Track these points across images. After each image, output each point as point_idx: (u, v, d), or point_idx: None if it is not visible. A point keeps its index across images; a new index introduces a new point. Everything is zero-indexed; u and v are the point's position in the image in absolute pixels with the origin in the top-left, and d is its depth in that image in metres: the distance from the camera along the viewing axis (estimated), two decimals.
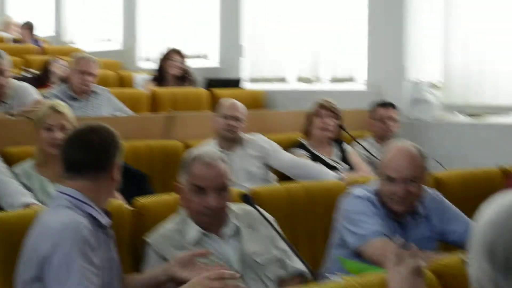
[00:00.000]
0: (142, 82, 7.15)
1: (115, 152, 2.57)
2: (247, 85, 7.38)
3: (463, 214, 3.20)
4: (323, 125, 4.92)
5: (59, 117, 3.67)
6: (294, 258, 2.85)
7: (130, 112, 5.65)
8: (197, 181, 2.77)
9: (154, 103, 6.34)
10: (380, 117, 5.33)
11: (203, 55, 8.20)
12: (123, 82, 7.44)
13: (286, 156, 4.71)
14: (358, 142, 5.16)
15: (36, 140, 3.67)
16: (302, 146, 4.97)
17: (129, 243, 2.94)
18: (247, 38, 7.52)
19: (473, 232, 1.38)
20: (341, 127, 5.03)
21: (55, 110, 3.70)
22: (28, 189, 3.56)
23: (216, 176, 2.77)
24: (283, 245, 2.88)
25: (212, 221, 2.79)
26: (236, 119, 4.66)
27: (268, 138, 4.99)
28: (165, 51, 6.95)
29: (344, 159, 4.98)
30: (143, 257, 2.79)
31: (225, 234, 2.81)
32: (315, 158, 4.87)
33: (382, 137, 5.33)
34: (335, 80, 6.74)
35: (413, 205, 3.06)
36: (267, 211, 3.11)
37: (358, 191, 3.09)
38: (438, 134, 5.57)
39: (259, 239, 2.85)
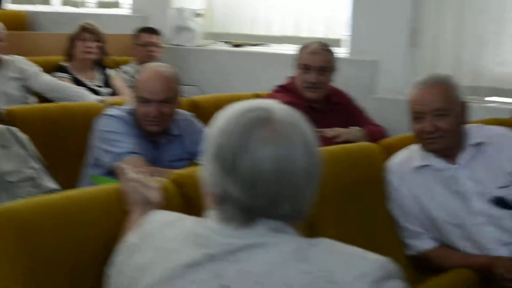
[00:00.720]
0: None
1: None
2: (9, 6, 7.06)
3: None
4: (85, 48, 4.89)
5: None
6: (47, 177, 2.86)
7: None
8: None
9: None
10: (143, 43, 5.39)
11: None
12: None
13: (46, 78, 4.63)
14: (118, 67, 5.18)
15: None
16: (64, 69, 4.91)
17: None
18: None
19: (206, 137, 1.44)
20: (103, 51, 5.03)
21: None
22: None
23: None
24: (36, 164, 2.88)
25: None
26: None
27: (30, 60, 4.87)
28: None
29: (107, 83, 5.00)
30: None
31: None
32: (77, 82, 4.84)
33: (145, 62, 5.37)
34: (101, 5, 6.67)
35: (167, 126, 3.17)
36: (22, 131, 3.08)
37: (113, 111, 3.14)
38: (200, 61, 5.73)
39: (12, 158, 2.82)
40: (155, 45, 5.40)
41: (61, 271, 1.71)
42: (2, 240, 1.63)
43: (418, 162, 2.81)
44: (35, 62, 4.78)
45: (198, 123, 3.40)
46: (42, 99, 4.61)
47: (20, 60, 4.66)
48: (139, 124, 3.12)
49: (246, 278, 1.32)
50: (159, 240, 1.48)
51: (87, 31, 4.91)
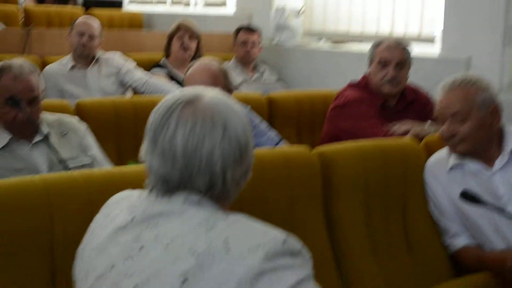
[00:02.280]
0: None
1: None
2: (129, 7, 7.41)
3: (271, 131, 3.40)
4: (181, 45, 5.05)
5: None
6: (105, 163, 3.01)
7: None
8: (6, 94, 2.81)
9: (28, 20, 6.33)
10: (242, 41, 5.48)
11: None
12: None
13: (139, 74, 4.83)
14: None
15: None
16: (162, 65, 5.11)
17: None
18: None
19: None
20: (199, 48, 5.17)
21: None
22: None
23: (25, 89, 2.83)
24: (94, 152, 3.03)
25: (24, 129, 2.87)
26: (90, 36, 4.73)
27: (132, 57, 5.11)
28: None
29: None
30: None
31: (34, 140, 2.88)
32: (173, 78, 5.01)
33: (244, 60, 5.51)
34: (208, 4, 6.85)
35: None
36: (92, 123, 3.27)
37: None
38: (299, 60, 5.75)
39: (70, 146, 2.98)
40: (253, 43, 5.48)
41: (37, 250, 1.79)
42: None
43: (453, 162, 2.72)
44: (138, 59, 5.03)
45: (252, 115, 3.42)
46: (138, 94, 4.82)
47: (116, 57, 4.88)
48: None
49: (159, 242, 1.43)
50: (111, 212, 1.60)
51: (183, 29, 5.07)
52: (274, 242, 1.39)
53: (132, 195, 1.61)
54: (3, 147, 2.86)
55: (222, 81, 3.15)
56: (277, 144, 3.31)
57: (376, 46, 3.80)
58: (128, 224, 1.50)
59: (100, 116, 3.56)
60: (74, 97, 4.41)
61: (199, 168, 1.46)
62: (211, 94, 1.54)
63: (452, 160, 2.73)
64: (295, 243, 1.42)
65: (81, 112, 3.51)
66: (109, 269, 1.46)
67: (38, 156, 2.88)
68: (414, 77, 3.89)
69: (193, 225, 1.43)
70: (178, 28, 5.11)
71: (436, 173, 2.76)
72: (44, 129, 2.93)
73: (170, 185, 1.48)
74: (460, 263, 2.73)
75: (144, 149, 1.54)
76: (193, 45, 5.08)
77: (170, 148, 1.47)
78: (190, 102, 1.50)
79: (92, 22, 4.80)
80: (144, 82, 4.75)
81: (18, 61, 2.89)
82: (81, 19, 4.83)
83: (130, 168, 2.05)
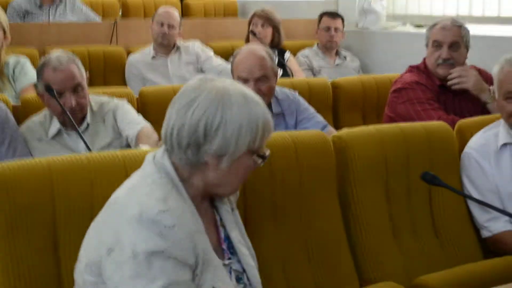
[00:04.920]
0: None
1: None
2: None
3: (317, 115, 3.46)
4: (257, 33, 5.16)
5: None
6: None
7: (96, 19, 6.01)
8: (49, 86, 3.02)
9: (125, 11, 6.66)
10: (325, 27, 5.53)
11: None
12: None
13: (216, 62, 5.01)
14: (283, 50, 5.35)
15: None
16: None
17: None
18: None
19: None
20: (277, 34, 5.25)
21: None
22: None
23: (66, 79, 3.04)
24: (128, 130, 3.17)
25: (72, 119, 3.05)
26: (170, 26, 4.95)
27: (215, 45, 5.30)
28: None
29: (283, 66, 5.24)
30: None
31: (80, 130, 3.08)
32: None
33: (326, 46, 5.56)
34: None
35: (267, 103, 3.31)
36: (149, 111, 3.48)
37: None
38: (383, 43, 5.73)
39: (109, 130, 3.18)
40: (336, 29, 5.52)
41: (39, 223, 1.99)
42: None
43: (504, 141, 2.72)
44: (218, 46, 5.23)
45: (301, 101, 3.49)
46: None
47: (196, 45, 5.08)
48: None
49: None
50: None
51: (258, 17, 5.19)
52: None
53: None
54: (54, 136, 3.11)
55: (269, 64, 3.25)
56: (322, 129, 3.37)
57: (431, 28, 3.78)
58: None
59: (161, 102, 3.73)
60: (156, 85, 4.65)
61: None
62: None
63: (504, 138, 2.72)
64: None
65: (143, 99, 3.71)
66: None
67: (83, 147, 3.08)
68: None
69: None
70: (252, 16, 5.24)
71: (482, 153, 2.77)
72: (89, 118, 3.15)
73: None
74: (499, 247, 2.71)
75: None
76: (266, 32, 5.16)
77: None
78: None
79: (172, 11, 5.01)
80: (221, 69, 4.92)
81: (56, 53, 3.11)
82: (161, 9, 5.06)
83: (131, 152, 2.20)
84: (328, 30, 5.52)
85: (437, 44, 3.71)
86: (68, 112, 3.01)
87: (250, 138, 1.78)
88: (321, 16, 5.60)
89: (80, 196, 2.03)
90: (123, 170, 2.09)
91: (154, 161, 1.82)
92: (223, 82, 1.83)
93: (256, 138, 1.79)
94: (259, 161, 1.85)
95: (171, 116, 1.80)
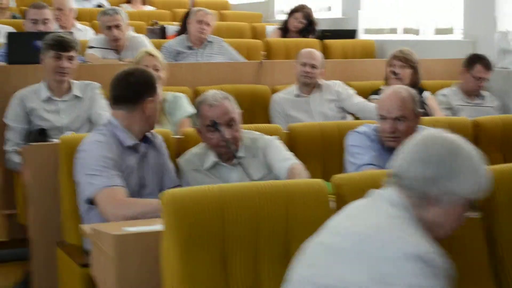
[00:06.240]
0: (270, 33, 7.84)
1: (146, 90, 3.26)
2: (362, 37, 7.80)
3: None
4: (392, 72, 5.28)
5: (152, 59, 4.45)
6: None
7: (241, 59, 6.36)
8: (206, 121, 3.35)
9: (269, 52, 6.98)
10: (477, 75, 5.54)
11: (327, 7, 8.69)
12: (256, 33, 8.15)
13: (357, 100, 5.21)
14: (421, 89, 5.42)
15: None
16: (380, 93, 5.42)
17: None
18: None
19: None
20: (416, 75, 5.36)
21: (149, 54, 4.49)
22: None
23: (221, 113, 3.35)
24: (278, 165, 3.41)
25: (227, 151, 3.36)
26: (312, 66, 5.21)
27: (355, 85, 5.51)
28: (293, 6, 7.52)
29: (422, 105, 5.36)
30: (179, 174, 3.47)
31: (233, 163, 3.39)
32: None
33: (470, 91, 5.60)
34: (438, 31, 7.03)
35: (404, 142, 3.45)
36: (301, 146, 3.73)
37: (360, 128, 3.58)
38: None
39: (260, 165, 3.43)
40: (486, 80, 5.57)
41: (211, 243, 2.25)
42: (167, 216, 2.24)
43: None
44: (361, 86, 5.44)
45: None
46: (357, 118, 5.19)
47: (337, 84, 5.31)
48: (381, 140, 3.49)
49: None
50: None
51: (396, 58, 5.33)
52: None
53: None
54: (210, 168, 3.40)
55: (410, 105, 3.42)
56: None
57: None
58: None
59: (308, 137, 3.99)
60: (299, 122, 4.89)
61: None
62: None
63: None
64: None
65: (292, 134, 3.96)
66: None
67: (235, 178, 3.37)
68: None
69: None
70: (391, 57, 5.39)
71: None
72: (241, 152, 3.41)
73: None
74: None
75: None
76: (405, 72, 5.27)
77: None
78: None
79: (314, 52, 5.27)
80: (362, 108, 5.12)
81: (212, 91, 3.45)
82: (304, 50, 5.32)
83: (292, 182, 2.44)
84: (478, 79, 5.55)
85: None
86: (224, 144, 3.29)
87: None
88: (474, 61, 5.57)
89: (247, 220, 2.28)
90: (285, 199, 2.33)
91: None
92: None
93: None
94: None
95: None
